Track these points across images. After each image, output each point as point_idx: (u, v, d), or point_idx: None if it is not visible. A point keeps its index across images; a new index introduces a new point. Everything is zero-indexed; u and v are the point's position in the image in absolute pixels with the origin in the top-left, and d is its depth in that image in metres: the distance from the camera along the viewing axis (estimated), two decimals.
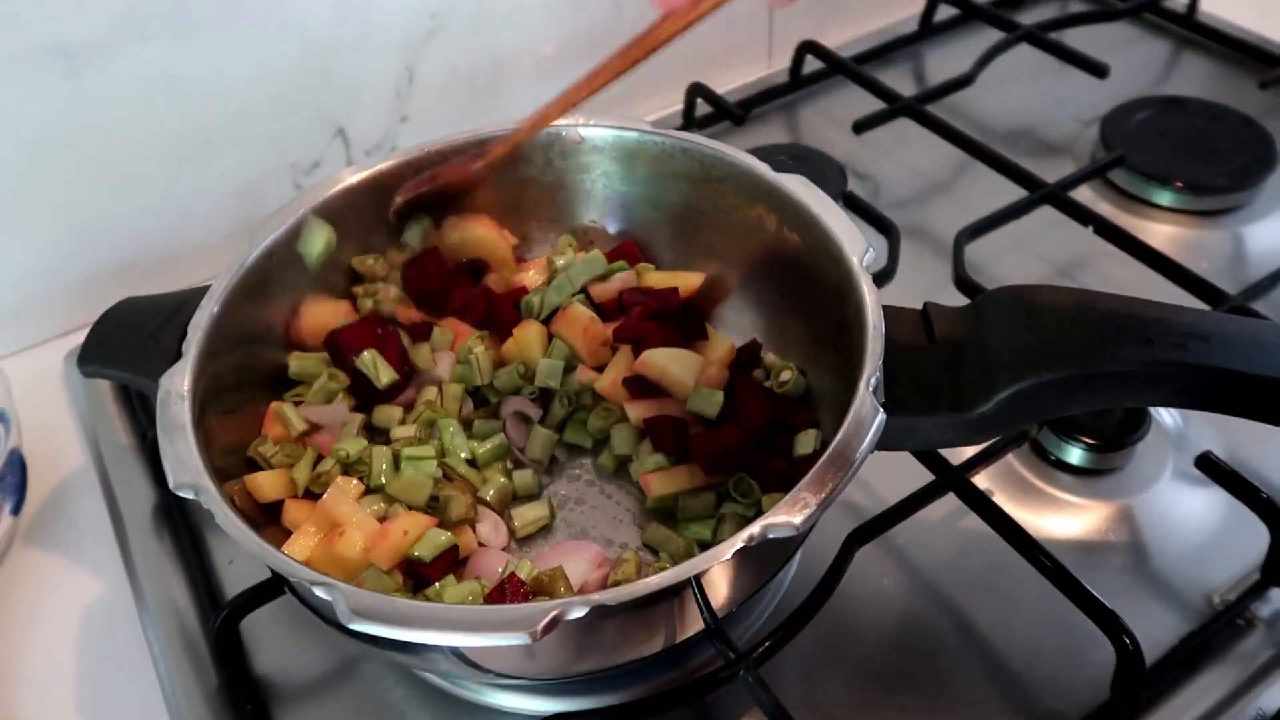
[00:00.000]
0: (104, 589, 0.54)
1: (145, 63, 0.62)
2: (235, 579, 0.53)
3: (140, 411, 0.61)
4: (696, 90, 0.79)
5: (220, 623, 0.48)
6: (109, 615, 0.53)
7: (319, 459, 0.49)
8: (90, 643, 0.52)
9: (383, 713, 0.47)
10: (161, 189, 0.67)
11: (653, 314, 0.54)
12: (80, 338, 0.52)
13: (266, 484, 0.46)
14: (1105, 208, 0.72)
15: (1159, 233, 0.70)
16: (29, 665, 0.51)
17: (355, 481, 0.48)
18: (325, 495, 0.46)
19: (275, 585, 0.48)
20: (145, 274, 0.69)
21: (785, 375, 0.51)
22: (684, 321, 0.54)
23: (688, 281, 0.56)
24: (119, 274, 0.68)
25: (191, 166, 0.68)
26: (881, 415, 0.39)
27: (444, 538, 0.45)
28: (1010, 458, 0.55)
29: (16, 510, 0.55)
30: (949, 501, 0.52)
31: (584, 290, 0.56)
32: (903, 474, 0.52)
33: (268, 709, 0.48)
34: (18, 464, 0.57)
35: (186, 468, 0.39)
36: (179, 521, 0.55)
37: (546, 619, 0.33)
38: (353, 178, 0.53)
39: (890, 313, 0.44)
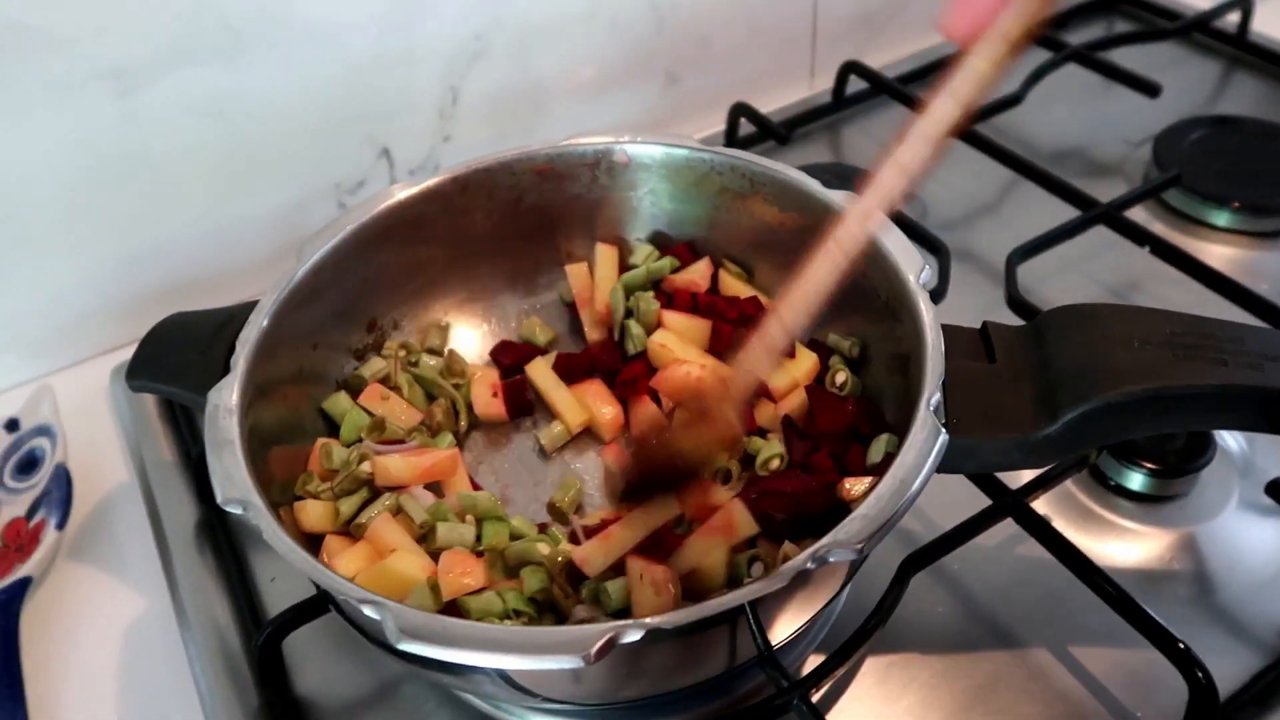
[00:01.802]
0: (146, 605, 0.54)
1: (194, 85, 0.63)
2: (277, 597, 0.52)
3: (185, 428, 0.61)
4: (740, 110, 0.79)
5: (263, 642, 0.47)
6: (151, 632, 0.52)
7: (372, 498, 0.48)
8: (132, 659, 0.51)
9: None
10: (208, 208, 0.68)
11: (739, 323, 0.53)
12: (127, 355, 0.52)
13: (312, 513, 0.46)
14: (1160, 228, 0.70)
15: (1216, 254, 0.69)
16: (71, 681, 0.51)
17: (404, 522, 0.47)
18: (376, 521, 0.45)
19: (318, 604, 0.47)
20: (191, 292, 0.69)
21: (840, 377, 0.50)
22: None
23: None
24: (166, 292, 0.68)
25: (238, 186, 0.68)
26: (944, 436, 0.38)
27: (497, 606, 0.43)
28: (1069, 483, 0.54)
29: (61, 525, 0.55)
30: (1006, 527, 0.50)
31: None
32: (958, 499, 0.50)
33: None
34: (63, 478, 0.57)
35: (235, 483, 0.39)
36: (221, 538, 0.55)
37: (601, 641, 0.32)
38: (402, 193, 0.52)
39: (948, 331, 0.43)
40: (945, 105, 0.35)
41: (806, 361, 0.51)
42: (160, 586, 0.54)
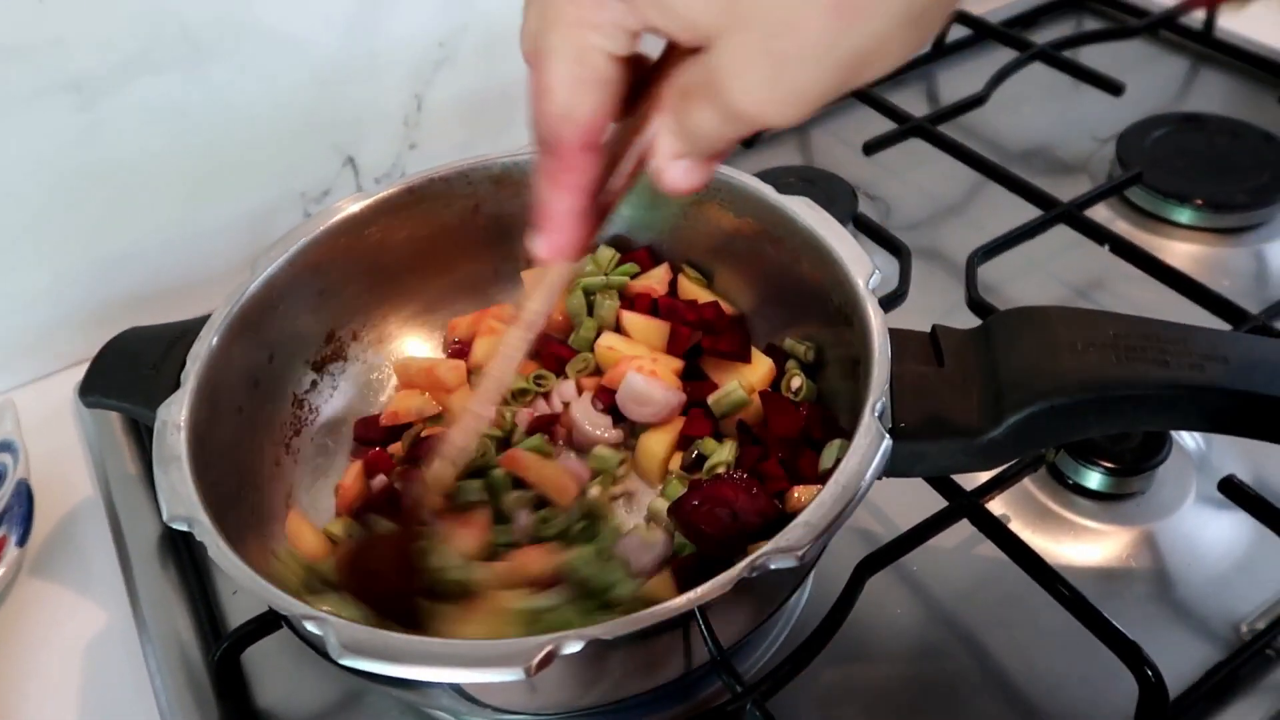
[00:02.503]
0: (108, 620, 0.53)
1: (156, 95, 0.63)
2: (239, 610, 0.52)
3: (148, 442, 0.61)
4: None
5: (220, 655, 0.47)
6: (113, 647, 0.52)
7: None
8: (93, 675, 0.51)
9: None
10: (172, 219, 0.68)
11: (698, 327, 0.53)
12: None
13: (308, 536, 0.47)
14: (1122, 226, 0.71)
15: (1178, 251, 0.69)
16: (33, 697, 0.50)
17: None
18: None
19: (278, 617, 0.47)
20: (156, 304, 0.69)
21: (796, 382, 0.50)
22: (731, 341, 0.53)
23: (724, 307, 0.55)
24: (130, 304, 0.68)
25: (202, 196, 0.68)
26: (888, 441, 0.38)
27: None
28: (1026, 482, 0.54)
29: (22, 541, 0.55)
30: (964, 528, 0.50)
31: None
32: (915, 499, 0.51)
33: None
34: (25, 494, 0.57)
35: (181, 500, 0.39)
36: (184, 552, 0.55)
37: (541, 654, 0.32)
38: (355, 205, 0.52)
39: (898, 336, 0.43)
40: (534, 311, 0.39)
41: (762, 367, 0.51)
42: (122, 601, 0.54)
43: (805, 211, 0.49)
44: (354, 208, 0.52)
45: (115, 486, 0.59)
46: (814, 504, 0.36)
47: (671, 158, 0.30)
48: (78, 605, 0.54)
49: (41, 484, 0.58)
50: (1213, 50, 0.86)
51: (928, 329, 0.46)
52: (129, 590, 0.54)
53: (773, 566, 0.34)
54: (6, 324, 0.65)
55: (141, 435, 0.61)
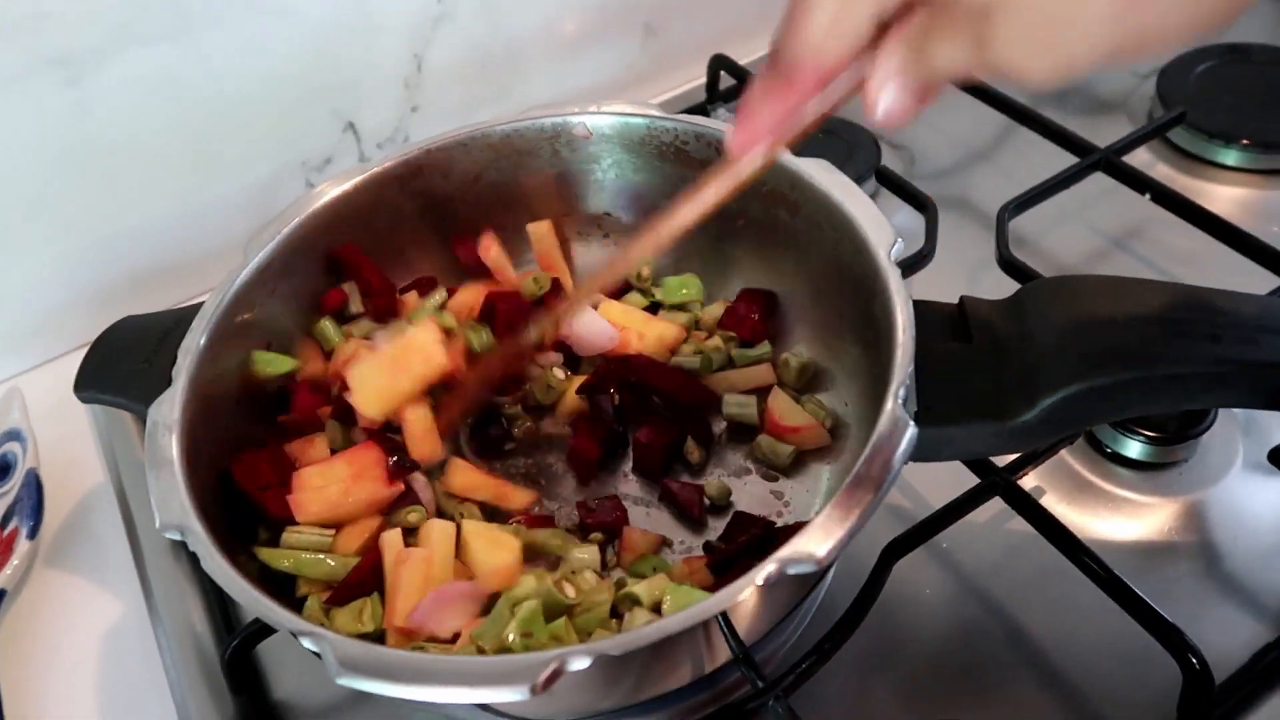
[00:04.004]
0: (123, 611, 0.53)
1: (145, 66, 0.60)
2: None
3: None
4: (719, 63, 0.75)
5: (232, 650, 0.46)
6: (127, 639, 0.52)
7: None
8: (109, 667, 0.51)
9: None
10: (172, 194, 0.66)
11: None
12: None
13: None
14: (1164, 171, 0.67)
15: (1224, 196, 0.65)
16: (49, 689, 0.50)
17: None
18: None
19: None
20: (162, 282, 0.67)
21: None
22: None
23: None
24: (135, 284, 0.67)
25: (201, 169, 0.66)
26: (912, 429, 0.36)
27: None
28: (1064, 453, 0.51)
29: (33, 534, 0.54)
30: (996, 502, 0.48)
31: None
32: (944, 474, 0.48)
33: None
34: (34, 484, 0.56)
35: (172, 507, 0.37)
36: None
37: (547, 671, 0.31)
38: (348, 183, 0.50)
39: (922, 309, 0.40)
40: (706, 194, 0.38)
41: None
42: (137, 592, 0.53)
43: (821, 174, 0.46)
44: (347, 185, 0.50)
45: (126, 475, 0.58)
46: (835, 500, 0.34)
47: (892, 77, 0.30)
48: (92, 597, 0.54)
49: (51, 472, 0.57)
50: None
51: (956, 289, 0.43)
52: (142, 582, 0.53)
53: (790, 572, 0.32)
54: (11, 306, 0.64)
55: None
